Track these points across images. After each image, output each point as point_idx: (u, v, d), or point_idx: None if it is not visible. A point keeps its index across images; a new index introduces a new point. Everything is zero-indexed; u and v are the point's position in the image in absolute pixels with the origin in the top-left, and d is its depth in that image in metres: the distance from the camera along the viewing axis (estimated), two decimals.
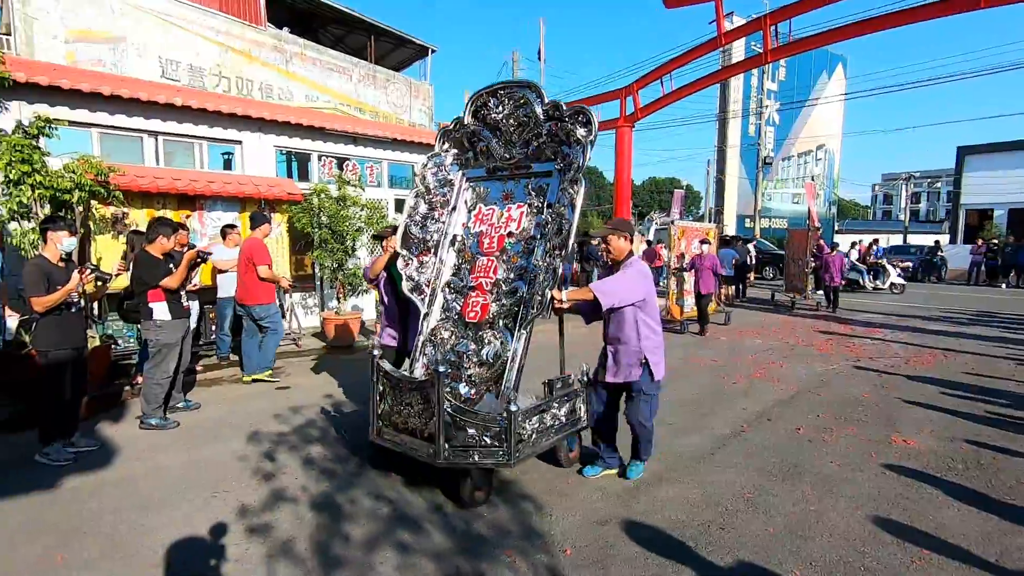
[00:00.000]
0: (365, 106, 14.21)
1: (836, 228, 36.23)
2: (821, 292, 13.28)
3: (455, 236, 4.20)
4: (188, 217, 7.37)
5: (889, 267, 17.29)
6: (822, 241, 13.93)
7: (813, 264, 13.31)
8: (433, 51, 16.80)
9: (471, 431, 3.30)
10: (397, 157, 11.25)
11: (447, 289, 4.07)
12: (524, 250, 3.82)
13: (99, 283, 4.61)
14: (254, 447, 4.38)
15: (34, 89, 6.87)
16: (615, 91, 15.18)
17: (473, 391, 3.72)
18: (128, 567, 2.80)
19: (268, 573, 2.77)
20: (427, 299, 4.06)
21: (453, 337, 3.92)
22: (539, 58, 19.26)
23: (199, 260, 5.31)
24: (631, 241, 3.74)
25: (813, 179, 31.04)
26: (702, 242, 10.02)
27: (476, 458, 3.28)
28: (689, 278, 10.20)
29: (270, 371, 6.40)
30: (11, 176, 5.49)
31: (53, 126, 5.81)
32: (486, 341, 3.74)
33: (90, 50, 9.94)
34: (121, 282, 5.56)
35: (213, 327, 7.46)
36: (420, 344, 4.01)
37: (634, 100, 14.57)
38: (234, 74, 11.63)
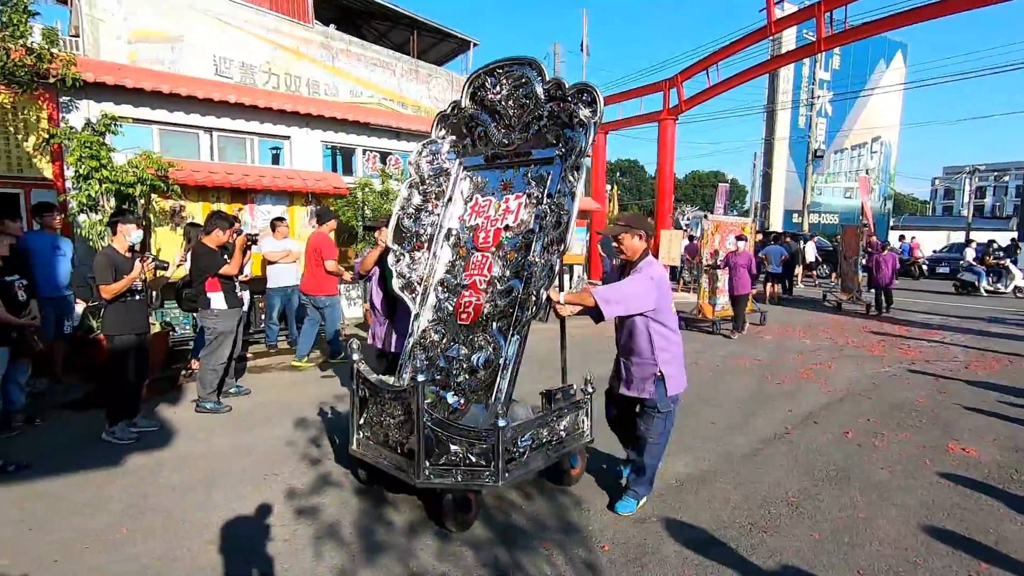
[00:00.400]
0: (408, 100, 14.40)
1: (891, 224, 34.59)
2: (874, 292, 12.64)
3: (450, 230, 3.85)
4: (240, 210, 7.66)
5: (1015, 269, 15.57)
6: (875, 237, 13.33)
7: (864, 263, 12.64)
8: (475, 45, 16.87)
9: (454, 448, 2.95)
10: None
11: (440, 287, 3.74)
12: (522, 245, 3.44)
13: (159, 272, 4.86)
14: (301, 432, 4.55)
15: (101, 88, 7.27)
16: (658, 83, 14.91)
17: (462, 400, 3.40)
18: (185, 541, 2.97)
19: (315, 554, 2.88)
20: (418, 298, 3.73)
21: (444, 340, 3.61)
22: (582, 50, 19.06)
23: (249, 244, 5.54)
24: (647, 240, 3.31)
25: (867, 173, 29.72)
26: (738, 238, 9.49)
27: (459, 478, 2.95)
28: (723, 276, 9.63)
29: (341, 356, 6.71)
30: (81, 171, 5.84)
31: (118, 123, 6.14)
32: (477, 345, 3.41)
33: (150, 50, 10.43)
34: (179, 272, 5.85)
35: (262, 316, 7.75)
36: (410, 348, 3.68)
37: (678, 92, 14.27)
38: (283, 71, 11.98)
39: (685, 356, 3.46)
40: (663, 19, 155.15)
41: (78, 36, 10.26)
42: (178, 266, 5.11)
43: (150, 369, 5.03)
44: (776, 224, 29.16)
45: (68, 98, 6.96)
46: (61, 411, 5.00)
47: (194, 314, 5.85)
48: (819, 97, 29.69)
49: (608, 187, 18.48)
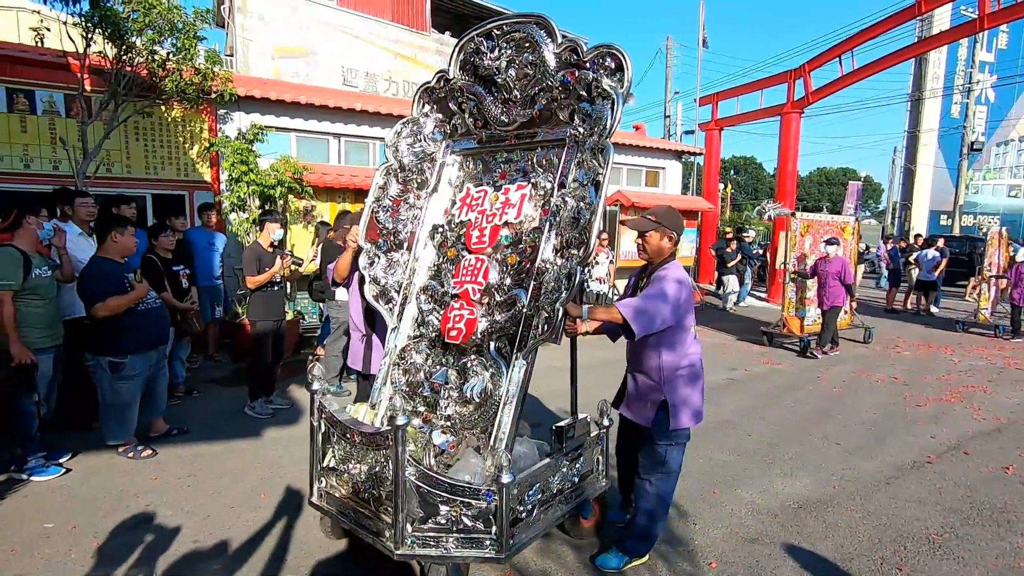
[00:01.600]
0: None
1: None
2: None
3: (435, 226, 3.16)
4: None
5: None
6: (1011, 249, 10.43)
7: (1003, 278, 9.96)
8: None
9: (445, 509, 2.31)
10: None
11: (423, 296, 3.06)
12: (527, 246, 2.77)
13: (294, 267, 5.39)
14: None
15: (250, 101, 8.16)
16: (782, 74, 13.90)
17: (451, 440, 2.74)
18: (308, 515, 3.26)
19: None
20: (396, 308, 3.05)
21: (428, 362, 2.94)
22: (701, 44, 18.17)
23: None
24: (676, 242, 2.74)
25: None
26: (828, 242, 7.83)
27: (451, 548, 2.30)
28: (812, 286, 8.18)
29: None
30: (233, 175, 6.63)
31: (264, 132, 6.89)
32: (472, 371, 2.73)
33: (289, 64, 11.55)
34: (311, 267, 6.45)
35: None
36: (386, 370, 3.02)
37: (805, 83, 13.21)
38: (401, 78, 12.72)
39: (793, 373, 3.04)
40: (785, 8, 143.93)
41: (232, 55, 11.63)
42: (311, 261, 5.64)
43: (284, 352, 5.59)
44: (919, 227, 25.96)
45: (224, 111, 7.90)
46: (213, 385, 5.71)
47: (321, 304, 6.41)
48: (979, 82, 25.95)
49: (721, 186, 17.54)
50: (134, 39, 5.85)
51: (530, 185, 2.86)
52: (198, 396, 5.33)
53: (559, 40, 2.70)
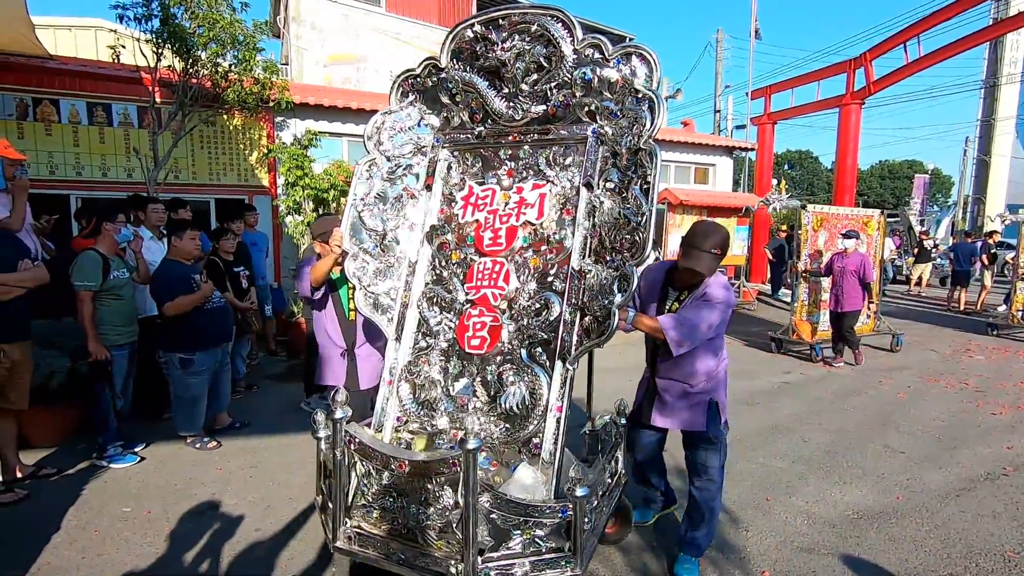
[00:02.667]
0: None
1: None
2: None
3: (434, 227, 2.84)
4: None
5: None
6: None
7: None
8: (631, 40, 16.56)
9: (517, 532, 2.16)
10: None
11: (428, 304, 2.76)
12: (551, 248, 2.60)
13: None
14: None
15: (305, 108, 8.49)
16: (841, 63, 13.29)
17: (492, 458, 2.53)
18: None
19: None
20: (395, 318, 2.77)
21: (446, 375, 2.67)
22: (753, 35, 17.58)
23: None
24: (721, 257, 2.61)
25: None
26: (845, 236, 6.93)
27: (529, 572, 2.13)
28: (828, 287, 7.31)
29: None
30: (289, 180, 6.90)
31: (318, 138, 7.15)
32: (505, 381, 2.50)
33: (340, 71, 11.93)
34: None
35: None
36: (393, 385, 2.70)
37: (866, 72, 12.59)
38: None
39: (852, 377, 2.93)
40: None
41: (287, 64, 12.11)
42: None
43: None
44: (995, 220, 24.26)
45: (281, 118, 8.25)
46: (270, 381, 5.98)
47: None
48: None
49: (775, 182, 16.93)
50: (199, 53, 6.19)
51: (548, 184, 2.66)
52: (257, 391, 5.59)
53: (579, 36, 2.50)
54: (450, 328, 2.68)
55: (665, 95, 19.87)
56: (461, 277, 2.72)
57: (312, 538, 3.01)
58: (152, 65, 6.15)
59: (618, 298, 2.27)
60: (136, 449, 4.06)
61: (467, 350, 2.59)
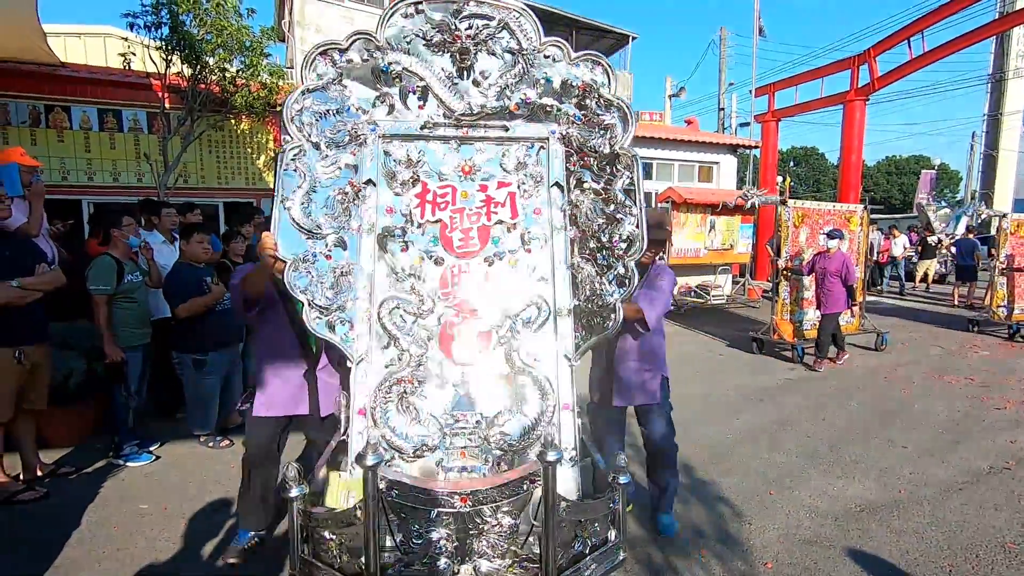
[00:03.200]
0: None
1: None
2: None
3: (387, 228, 2.44)
4: None
5: None
6: None
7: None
8: (634, 38, 16.57)
9: (577, 536, 2.06)
10: None
11: (394, 316, 2.36)
12: (530, 248, 2.50)
13: None
14: None
15: None
16: (844, 60, 13.31)
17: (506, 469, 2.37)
18: None
19: None
20: (355, 336, 2.31)
21: (439, 390, 2.36)
22: (757, 32, 17.53)
23: None
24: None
25: None
26: (828, 235, 6.74)
27: (594, 570, 2.05)
28: (810, 285, 7.16)
29: None
30: None
31: None
32: (505, 388, 2.37)
33: None
34: None
35: None
36: (367, 415, 2.25)
37: (870, 68, 12.59)
38: None
39: (857, 374, 3.05)
40: None
41: (292, 67, 12.21)
42: None
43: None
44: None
45: None
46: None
47: None
48: None
49: (780, 179, 16.91)
50: (207, 59, 6.29)
51: (516, 185, 2.53)
52: None
53: (542, 37, 2.43)
54: (425, 340, 2.35)
55: (669, 93, 19.89)
56: (431, 283, 2.42)
57: None
58: (161, 72, 6.26)
59: (617, 294, 2.33)
60: (151, 448, 4.15)
61: (455, 361, 2.34)
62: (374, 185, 2.45)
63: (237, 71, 6.62)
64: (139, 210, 4.93)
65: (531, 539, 1.96)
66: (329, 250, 2.33)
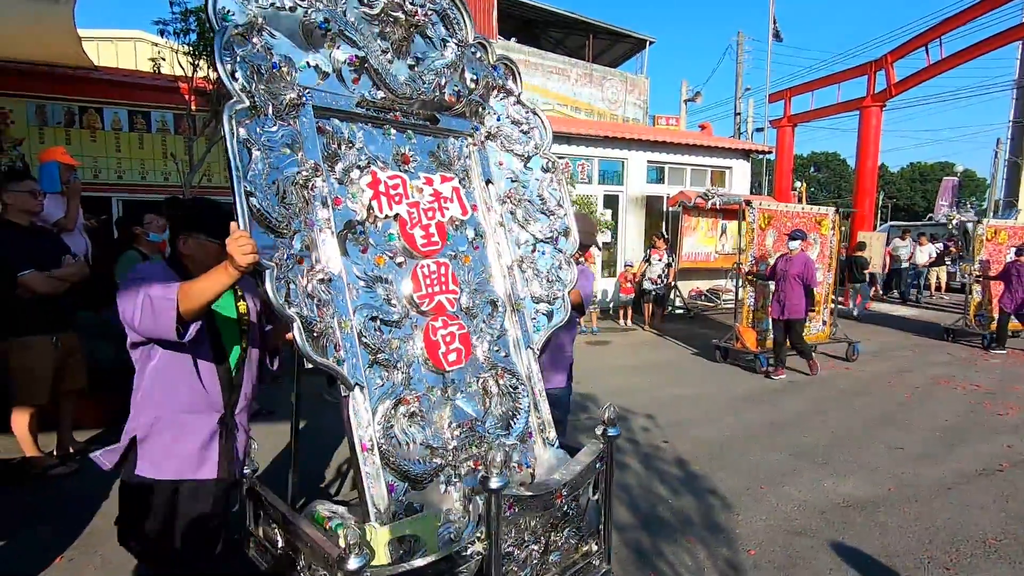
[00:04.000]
0: (581, 104, 14.81)
1: None
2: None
3: (350, 223, 2.03)
4: None
5: None
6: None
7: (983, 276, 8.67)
8: (651, 43, 16.68)
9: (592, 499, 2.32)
10: (607, 154, 11.56)
11: (371, 326, 1.98)
12: (478, 244, 2.41)
13: None
14: None
15: None
16: (861, 66, 13.27)
17: (519, 465, 2.31)
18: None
19: None
20: (342, 357, 1.87)
21: (438, 403, 2.09)
22: (772, 37, 17.49)
23: None
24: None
25: None
26: (791, 237, 6.38)
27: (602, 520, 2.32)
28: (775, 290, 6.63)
29: None
30: None
31: None
32: (491, 387, 2.27)
33: None
34: None
35: None
36: (372, 450, 1.89)
37: (887, 74, 12.54)
38: None
39: (862, 378, 3.14)
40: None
41: None
42: None
43: None
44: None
45: None
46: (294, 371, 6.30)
47: None
48: None
49: (797, 184, 16.84)
50: None
51: (457, 178, 2.39)
52: (282, 382, 5.91)
53: (472, 32, 2.39)
54: (410, 351, 2.06)
55: (685, 98, 19.91)
56: (402, 286, 2.11)
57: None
58: (189, 75, 6.56)
59: (568, 283, 2.51)
60: None
61: (447, 368, 2.13)
62: (321, 171, 1.94)
63: None
64: (164, 207, 5.19)
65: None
66: (301, 252, 1.82)
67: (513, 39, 14.85)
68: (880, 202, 29.83)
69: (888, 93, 12.63)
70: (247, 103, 1.74)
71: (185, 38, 6.30)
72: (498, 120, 2.50)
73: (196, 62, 6.50)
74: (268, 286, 1.67)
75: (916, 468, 4.03)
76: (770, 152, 14.96)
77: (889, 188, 45.10)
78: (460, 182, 2.39)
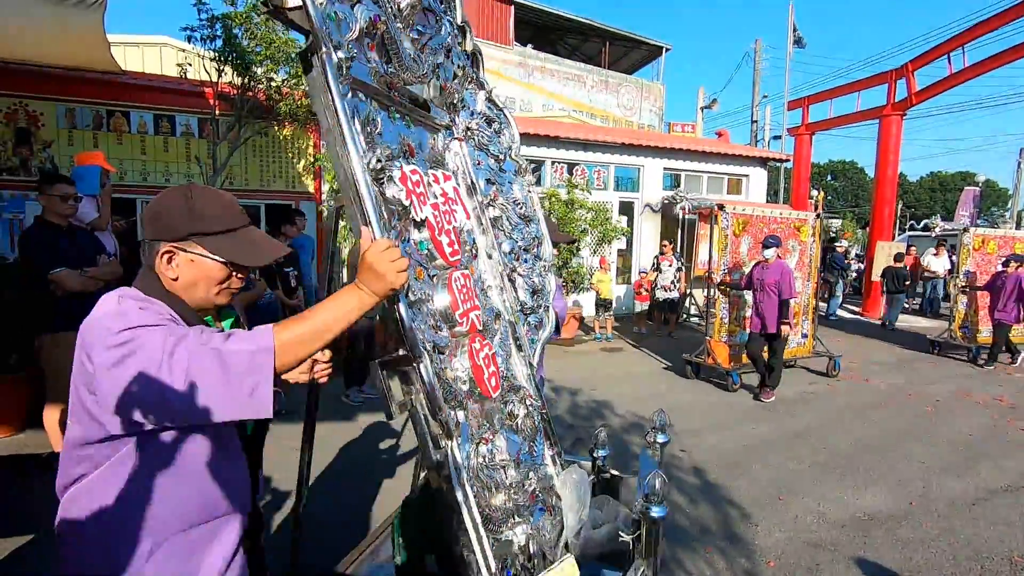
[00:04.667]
0: (596, 111, 14.84)
1: None
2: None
3: (419, 223, 1.69)
4: None
5: None
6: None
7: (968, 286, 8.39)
8: (667, 50, 16.68)
9: None
10: (623, 160, 11.57)
11: (430, 354, 1.54)
12: (473, 253, 2.04)
13: None
14: None
15: None
16: (881, 74, 13.12)
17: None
18: (402, 487, 3.67)
19: None
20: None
21: (497, 441, 1.78)
22: (792, 44, 17.37)
23: None
24: None
25: None
26: (765, 244, 5.84)
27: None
28: (751, 301, 6.16)
29: None
30: (334, 187, 7.33)
31: None
32: (517, 408, 1.96)
33: None
34: None
35: None
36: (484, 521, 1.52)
37: (908, 83, 12.39)
38: None
39: (882, 390, 3.08)
40: (883, 5, 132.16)
41: None
42: None
43: (376, 350, 6.15)
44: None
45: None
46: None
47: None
48: None
49: (814, 193, 16.69)
50: (256, 69, 6.71)
51: (454, 178, 2.01)
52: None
53: (461, 13, 2.06)
54: (462, 382, 1.69)
55: (702, 105, 19.83)
56: (439, 303, 1.70)
57: (347, 510, 3.32)
58: (214, 80, 6.69)
59: (550, 292, 2.33)
60: None
61: (492, 395, 1.81)
62: (397, 157, 1.62)
63: (283, 81, 7.03)
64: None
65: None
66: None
67: (529, 45, 14.94)
68: (899, 212, 29.46)
69: (909, 102, 12.48)
70: (341, 62, 1.39)
71: (211, 44, 6.43)
72: (471, 116, 2.14)
73: (221, 68, 6.63)
74: (402, 311, 1.37)
75: (938, 482, 3.98)
76: (788, 160, 14.85)
77: (908, 198, 44.51)
78: (456, 180, 2.03)
